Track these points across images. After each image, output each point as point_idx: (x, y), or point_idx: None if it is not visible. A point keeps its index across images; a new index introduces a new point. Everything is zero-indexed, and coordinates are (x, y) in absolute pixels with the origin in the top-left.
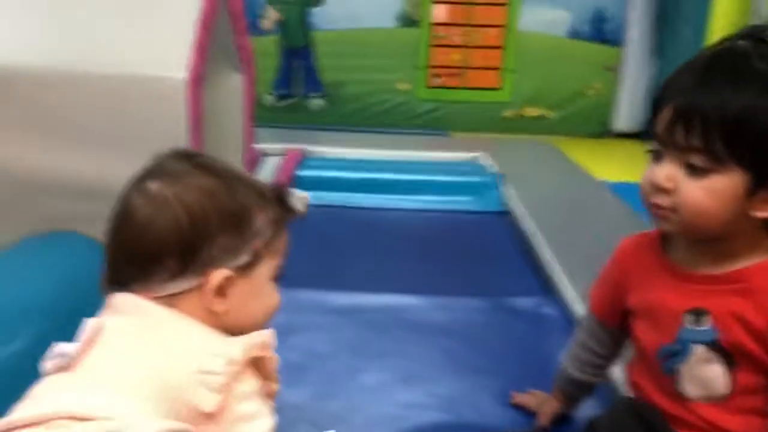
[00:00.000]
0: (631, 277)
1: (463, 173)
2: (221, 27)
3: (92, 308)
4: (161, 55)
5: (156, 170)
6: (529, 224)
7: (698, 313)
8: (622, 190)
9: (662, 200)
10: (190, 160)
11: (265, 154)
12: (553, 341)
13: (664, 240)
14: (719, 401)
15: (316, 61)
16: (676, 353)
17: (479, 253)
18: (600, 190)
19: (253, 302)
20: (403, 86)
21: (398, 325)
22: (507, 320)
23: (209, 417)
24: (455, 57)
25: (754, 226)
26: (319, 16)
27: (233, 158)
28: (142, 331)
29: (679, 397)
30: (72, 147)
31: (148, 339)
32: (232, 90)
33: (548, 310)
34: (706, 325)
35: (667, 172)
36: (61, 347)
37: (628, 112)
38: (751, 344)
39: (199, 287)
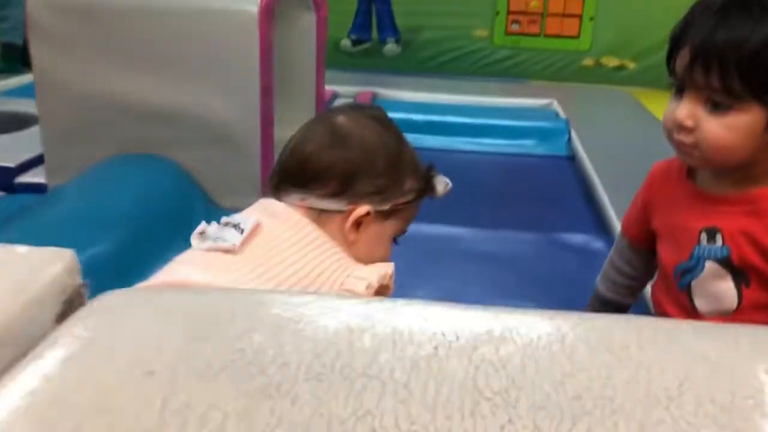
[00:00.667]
0: (657, 199)
1: (532, 118)
2: None
3: (166, 221)
4: None
5: (340, 110)
6: (590, 169)
7: (711, 231)
8: None
9: (684, 137)
10: (369, 111)
11: (336, 96)
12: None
13: (689, 166)
14: (728, 315)
15: (393, 6)
16: (690, 269)
17: (540, 193)
18: None
19: (375, 246)
20: (480, 32)
21: (451, 253)
22: (557, 253)
23: None
24: (535, 3)
25: None
26: None
27: (305, 96)
28: (297, 242)
29: (693, 312)
30: (152, 74)
31: (302, 249)
32: (304, 29)
33: (598, 245)
34: (719, 243)
35: (688, 110)
36: (225, 231)
37: None
38: (759, 262)
39: (345, 213)
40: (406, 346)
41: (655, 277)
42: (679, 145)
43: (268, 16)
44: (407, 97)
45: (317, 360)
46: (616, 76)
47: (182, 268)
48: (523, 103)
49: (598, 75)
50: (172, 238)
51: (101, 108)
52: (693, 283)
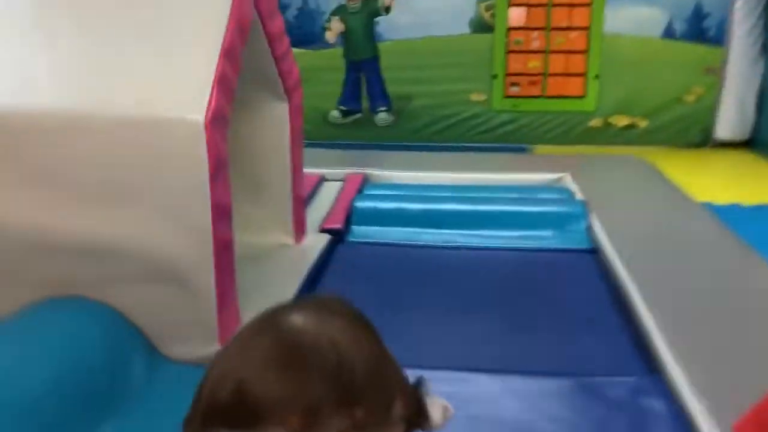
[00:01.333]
0: None
1: (543, 203)
2: (255, 53)
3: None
4: (178, 95)
5: (294, 309)
6: (622, 271)
7: None
8: (729, 214)
9: None
10: (333, 306)
11: (324, 179)
12: None
13: None
14: None
15: (383, 73)
16: None
17: (561, 307)
18: (703, 217)
19: None
20: (477, 97)
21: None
22: (596, 411)
23: None
24: (534, 64)
25: None
26: (385, 25)
27: (280, 195)
28: None
29: None
30: (74, 200)
31: None
32: (274, 121)
33: (651, 402)
34: None
35: None
36: None
37: (734, 118)
38: None
39: None
40: None
41: None
42: None
43: (219, 123)
44: (402, 176)
45: None
46: (626, 136)
47: None
48: (530, 179)
49: (607, 136)
50: (103, 407)
51: (18, 244)
52: None
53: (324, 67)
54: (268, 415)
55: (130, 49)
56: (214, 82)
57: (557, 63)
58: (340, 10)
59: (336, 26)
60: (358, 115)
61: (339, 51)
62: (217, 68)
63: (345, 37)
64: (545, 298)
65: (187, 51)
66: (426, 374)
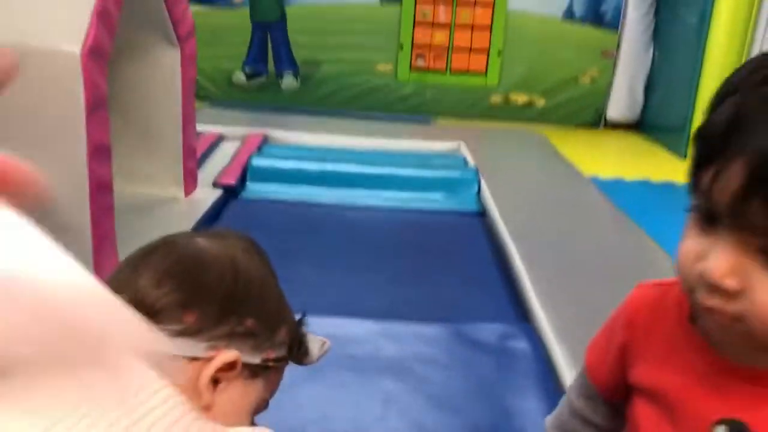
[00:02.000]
0: (641, 344)
1: (438, 167)
2: None
3: None
4: (55, 26)
5: (198, 234)
6: (504, 230)
7: (735, 427)
8: (613, 188)
9: (723, 304)
10: (238, 237)
11: (222, 138)
12: (521, 383)
13: (694, 308)
14: None
15: (290, 37)
16: None
17: (449, 263)
18: (588, 189)
19: (232, 418)
20: (383, 68)
21: (341, 362)
22: (470, 353)
23: None
24: (440, 37)
25: None
26: None
27: (170, 146)
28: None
29: None
30: None
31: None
32: (165, 69)
33: (519, 344)
34: None
35: (731, 263)
36: None
37: (624, 100)
38: None
39: (202, 360)
40: None
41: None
42: (704, 311)
43: (97, 57)
44: (303, 139)
45: None
46: (525, 113)
47: None
48: (428, 147)
49: (507, 113)
50: None
51: None
52: None
53: (229, 26)
54: (165, 315)
55: None
56: (93, 14)
57: (462, 37)
58: None
59: None
60: (263, 78)
61: (245, 12)
62: (96, 0)
63: None
64: (433, 255)
65: None
66: (309, 320)
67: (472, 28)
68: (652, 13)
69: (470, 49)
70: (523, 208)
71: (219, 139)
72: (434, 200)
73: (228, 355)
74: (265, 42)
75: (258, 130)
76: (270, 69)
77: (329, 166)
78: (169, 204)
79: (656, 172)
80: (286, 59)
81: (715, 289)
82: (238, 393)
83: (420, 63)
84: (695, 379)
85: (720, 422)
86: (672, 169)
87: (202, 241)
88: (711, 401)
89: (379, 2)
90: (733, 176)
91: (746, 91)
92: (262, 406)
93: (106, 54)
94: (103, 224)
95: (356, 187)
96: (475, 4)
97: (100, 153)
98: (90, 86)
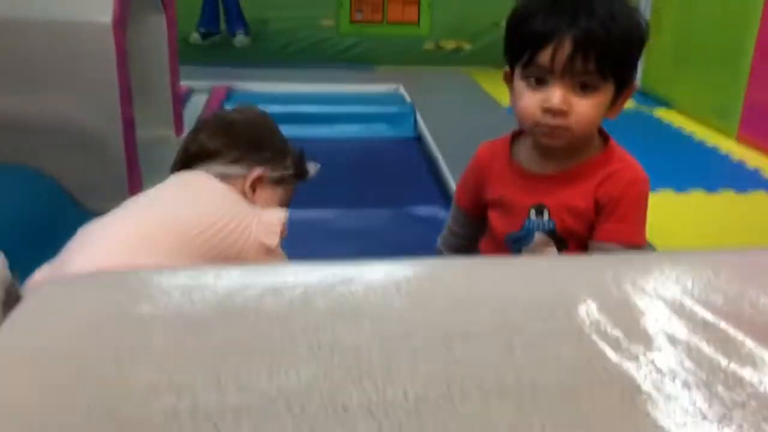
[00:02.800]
0: (487, 176)
1: (381, 103)
2: None
3: (38, 229)
4: (88, 2)
5: (228, 110)
6: (434, 148)
7: (539, 208)
8: None
9: (559, 121)
10: (251, 108)
11: (192, 91)
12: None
13: (511, 146)
14: None
15: None
16: (521, 238)
17: (392, 173)
18: (503, 116)
19: (269, 207)
20: (326, 22)
21: (321, 233)
22: (410, 225)
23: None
24: None
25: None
26: None
27: (162, 95)
28: (213, 193)
29: None
30: (7, 86)
31: (218, 200)
32: (153, 30)
33: (443, 214)
34: (545, 217)
35: (562, 96)
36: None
37: None
38: (577, 225)
39: (243, 176)
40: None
41: (485, 236)
42: (547, 129)
43: (122, 24)
44: (263, 88)
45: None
46: (455, 58)
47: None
48: (371, 89)
49: (439, 58)
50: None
51: None
52: (523, 249)
53: None
54: (219, 151)
55: None
56: None
57: None
58: None
59: None
60: (217, 37)
61: None
62: None
63: None
64: (382, 173)
65: None
66: (292, 212)
67: None
68: None
69: (404, 2)
70: (451, 134)
71: (189, 92)
72: (380, 131)
73: (257, 171)
74: (216, 3)
75: (221, 83)
76: (222, 28)
77: (291, 108)
78: (165, 142)
79: None
80: (238, 19)
81: (556, 112)
82: (268, 194)
83: (359, 17)
84: (516, 187)
85: (532, 206)
86: None
87: (233, 113)
88: (525, 196)
89: None
90: (566, 48)
91: None
92: (284, 205)
93: (126, 21)
94: (132, 152)
95: (315, 123)
96: None
97: (126, 98)
98: (119, 47)
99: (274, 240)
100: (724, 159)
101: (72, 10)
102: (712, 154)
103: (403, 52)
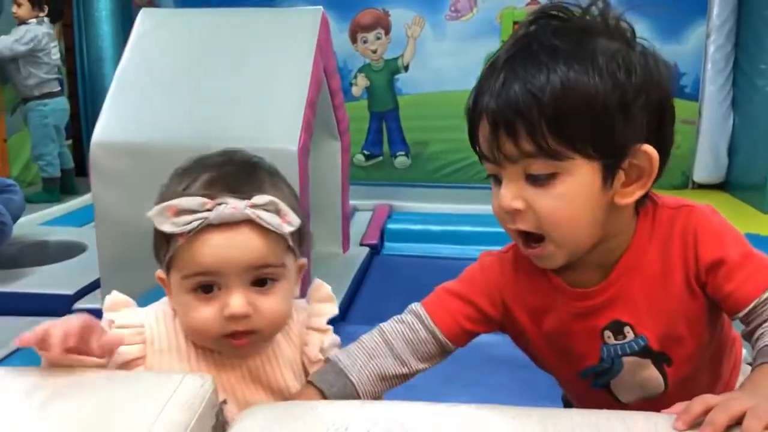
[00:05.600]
0: (506, 298)
1: None
2: (322, 102)
3: None
4: (277, 131)
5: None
6: None
7: (617, 327)
8: None
9: (521, 223)
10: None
11: (356, 209)
12: None
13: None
14: (655, 398)
15: (402, 122)
16: (605, 371)
17: None
18: None
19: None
20: None
21: (484, 359)
22: None
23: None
24: None
25: (629, 216)
26: (404, 81)
27: (332, 213)
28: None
29: (617, 404)
30: None
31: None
32: (330, 155)
33: None
34: (630, 335)
35: (512, 191)
36: None
37: (709, 163)
38: (674, 325)
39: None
40: None
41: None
42: (517, 237)
43: (305, 152)
44: (422, 207)
45: None
46: None
47: None
48: None
49: None
50: None
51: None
52: (613, 382)
53: (350, 117)
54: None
55: (243, 103)
56: (302, 124)
57: None
58: (364, 68)
59: (361, 82)
60: (380, 158)
61: (364, 103)
62: (304, 115)
63: (369, 91)
64: None
65: (284, 102)
66: None
67: None
68: (729, 85)
69: None
70: None
71: (354, 210)
72: None
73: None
74: (380, 128)
75: (383, 202)
76: (385, 150)
77: (450, 227)
78: (333, 258)
79: (740, 225)
80: (399, 141)
81: (512, 213)
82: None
83: None
84: (564, 311)
85: (604, 327)
86: (755, 222)
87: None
88: (585, 320)
89: None
90: (484, 127)
91: (481, 73)
92: (192, 286)
93: (308, 150)
94: (307, 270)
95: (471, 244)
96: None
97: (306, 216)
98: (303, 171)
99: None
100: None
101: (266, 138)
102: None
103: None
